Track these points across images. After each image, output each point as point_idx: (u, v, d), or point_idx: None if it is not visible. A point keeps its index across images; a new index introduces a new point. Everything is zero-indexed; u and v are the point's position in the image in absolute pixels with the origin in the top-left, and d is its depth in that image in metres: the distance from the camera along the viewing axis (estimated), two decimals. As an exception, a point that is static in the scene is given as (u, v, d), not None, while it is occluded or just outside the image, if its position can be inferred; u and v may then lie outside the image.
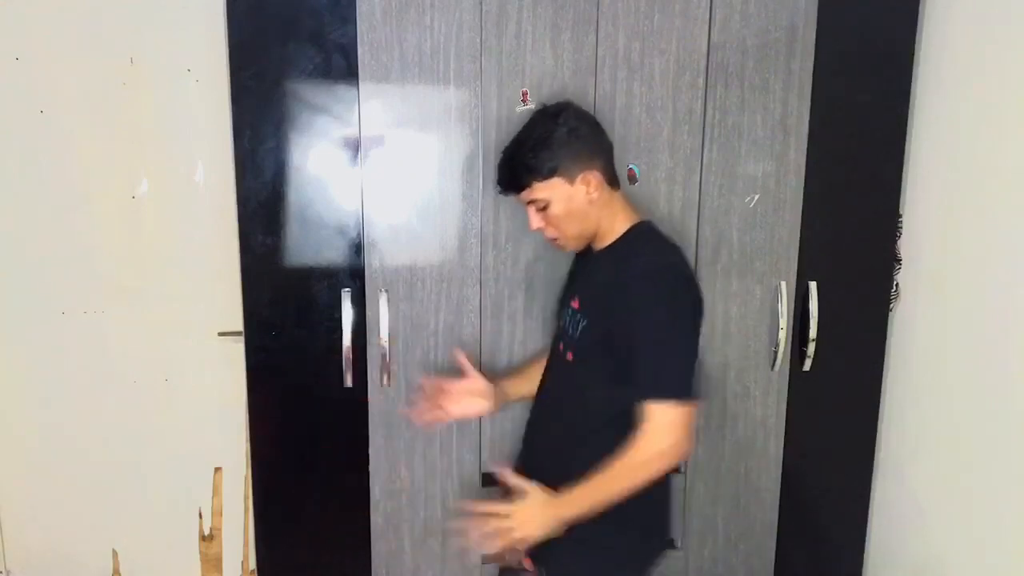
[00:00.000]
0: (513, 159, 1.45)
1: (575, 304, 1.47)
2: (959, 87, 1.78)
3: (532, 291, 1.74)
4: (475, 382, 1.61)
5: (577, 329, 1.43)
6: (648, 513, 1.46)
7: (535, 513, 1.37)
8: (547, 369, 1.59)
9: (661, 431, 1.30)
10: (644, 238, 1.45)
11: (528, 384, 1.64)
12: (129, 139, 1.94)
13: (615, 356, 1.36)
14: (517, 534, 1.37)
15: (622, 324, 1.34)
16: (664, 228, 1.48)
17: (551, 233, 1.47)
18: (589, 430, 1.43)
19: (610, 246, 1.46)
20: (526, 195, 1.45)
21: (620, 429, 1.33)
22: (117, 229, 1.98)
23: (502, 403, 1.64)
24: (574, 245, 1.50)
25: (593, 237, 1.48)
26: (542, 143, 1.41)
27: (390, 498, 1.78)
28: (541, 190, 1.42)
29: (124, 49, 1.91)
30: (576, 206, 1.42)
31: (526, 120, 1.50)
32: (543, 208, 1.43)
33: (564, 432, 1.47)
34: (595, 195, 1.42)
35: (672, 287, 1.35)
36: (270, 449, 1.76)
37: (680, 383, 1.32)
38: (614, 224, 1.46)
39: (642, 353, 1.32)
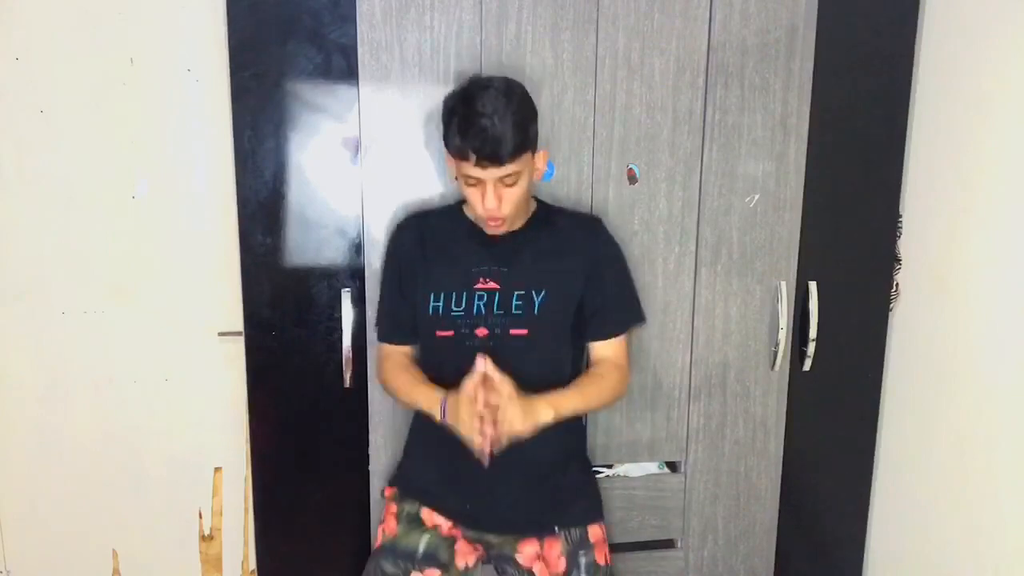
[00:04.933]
0: (510, 125, 1.34)
1: (519, 285, 1.46)
2: (959, 87, 1.78)
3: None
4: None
5: (534, 305, 1.46)
6: None
7: (525, 406, 1.33)
8: (462, 364, 1.41)
9: (627, 360, 1.58)
10: (556, 208, 1.59)
11: None
12: (129, 139, 1.94)
13: (578, 314, 1.51)
14: (508, 426, 1.31)
15: (590, 279, 1.50)
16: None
17: (504, 213, 1.40)
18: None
19: (533, 221, 1.52)
20: (506, 168, 1.35)
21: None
22: (117, 229, 1.97)
23: None
24: (510, 225, 1.47)
25: None
26: (531, 112, 1.40)
27: (390, 498, 1.78)
28: (522, 162, 1.37)
29: (124, 49, 1.90)
30: (530, 182, 1.44)
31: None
32: (511, 184, 1.38)
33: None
34: (541, 170, 1.47)
35: (611, 235, 1.60)
36: (270, 449, 1.77)
37: (635, 313, 1.62)
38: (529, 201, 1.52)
39: (611, 296, 1.54)
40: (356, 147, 1.65)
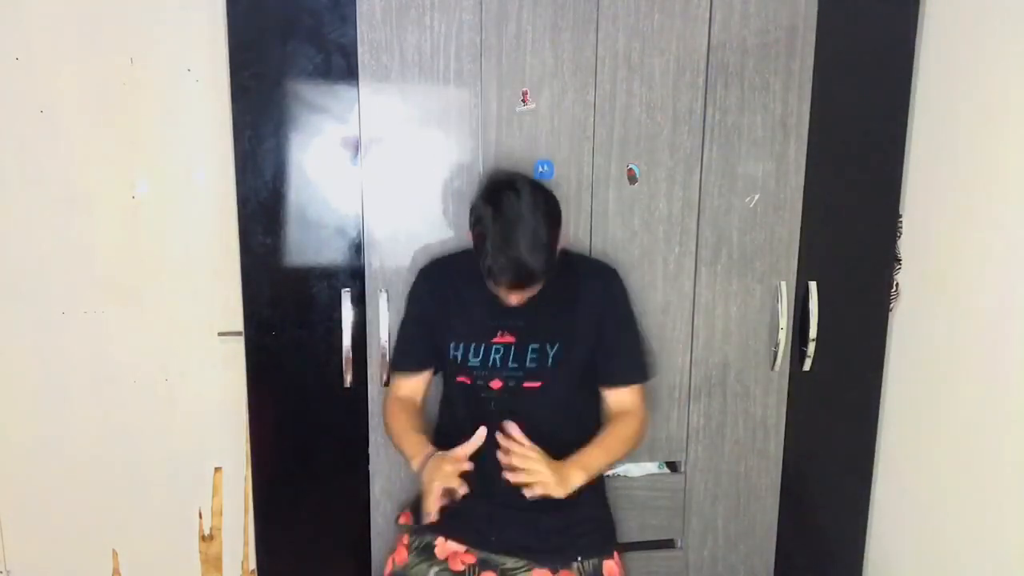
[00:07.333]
0: (542, 255, 1.35)
1: (534, 339, 1.49)
2: (959, 87, 1.78)
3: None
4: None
5: (548, 358, 1.49)
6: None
7: (557, 470, 1.38)
8: (476, 412, 1.50)
9: (645, 410, 1.58)
10: (574, 256, 1.61)
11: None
12: (129, 139, 1.94)
13: (592, 364, 1.54)
14: (543, 483, 1.35)
15: (604, 327, 1.53)
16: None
17: (523, 303, 1.45)
18: (572, 443, 1.48)
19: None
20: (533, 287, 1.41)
21: (590, 430, 1.53)
22: (117, 229, 1.98)
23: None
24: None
25: None
26: (559, 222, 1.41)
27: (390, 498, 1.78)
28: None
29: (124, 49, 1.90)
30: None
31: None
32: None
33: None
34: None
35: (624, 286, 1.61)
36: (270, 449, 1.77)
37: (650, 367, 1.67)
38: None
39: (625, 343, 1.57)
40: (356, 147, 1.65)
